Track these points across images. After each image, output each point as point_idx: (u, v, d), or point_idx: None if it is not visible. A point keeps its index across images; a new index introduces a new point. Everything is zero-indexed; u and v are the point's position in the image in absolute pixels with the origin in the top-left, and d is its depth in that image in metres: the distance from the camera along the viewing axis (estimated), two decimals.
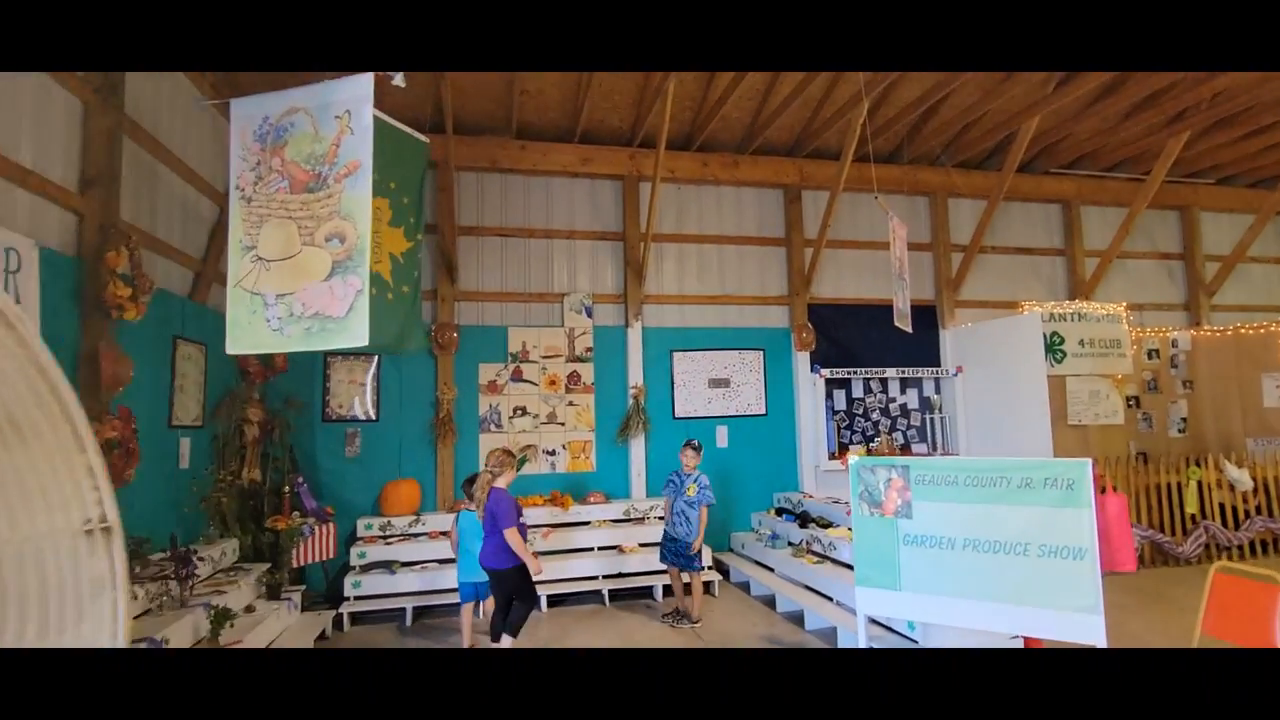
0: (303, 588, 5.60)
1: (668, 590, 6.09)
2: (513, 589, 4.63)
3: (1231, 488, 7.41)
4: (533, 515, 6.28)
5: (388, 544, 6.23)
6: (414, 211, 5.14)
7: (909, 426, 8.39)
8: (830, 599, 5.49)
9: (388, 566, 6.01)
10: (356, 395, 6.83)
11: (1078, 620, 3.74)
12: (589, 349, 7.47)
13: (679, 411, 7.68)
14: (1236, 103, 7.08)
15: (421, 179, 5.30)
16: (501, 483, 4.71)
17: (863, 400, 8.29)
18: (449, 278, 7.08)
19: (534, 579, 4.70)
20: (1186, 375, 9.25)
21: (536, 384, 7.31)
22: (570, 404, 7.38)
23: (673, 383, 7.70)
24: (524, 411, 7.25)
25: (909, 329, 6.68)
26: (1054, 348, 8.47)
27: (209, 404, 5.58)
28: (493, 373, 7.21)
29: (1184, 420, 9.20)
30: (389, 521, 6.42)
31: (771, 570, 6.56)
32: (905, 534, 4.31)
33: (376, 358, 6.89)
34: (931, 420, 8.35)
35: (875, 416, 8.30)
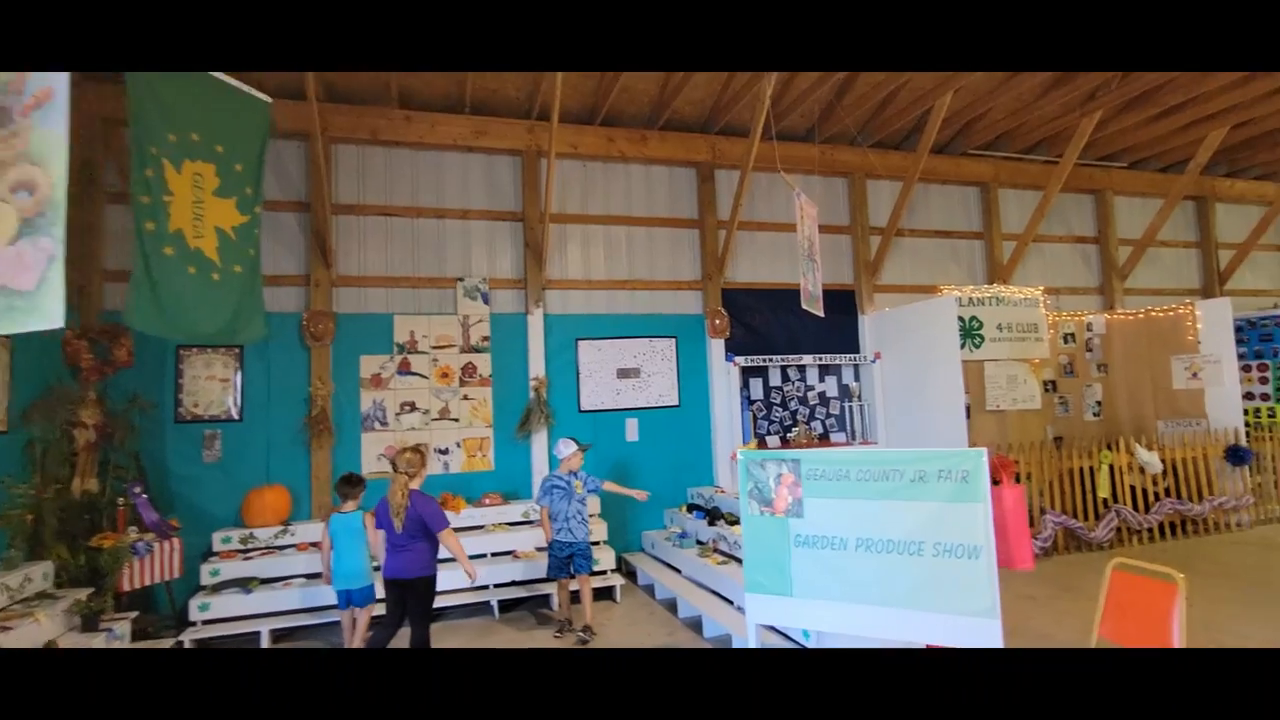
0: (134, 614, 4.89)
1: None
2: (417, 603, 4.17)
3: (1142, 471, 7.38)
4: None
5: (247, 559, 5.56)
6: (250, 182, 4.50)
7: (828, 415, 8.12)
8: (731, 603, 5.11)
9: (244, 585, 5.35)
10: (216, 392, 6.10)
11: (974, 625, 3.42)
12: (485, 338, 6.90)
13: (585, 404, 7.19)
14: (1145, 81, 6.98)
15: (262, 145, 4.65)
16: (416, 484, 4.21)
17: (780, 389, 7.96)
18: (323, 260, 6.39)
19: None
20: (1101, 359, 9.27)
21: (427, 377, 6.71)
22: (465, 398, 6.80)
23: (578, 373, 7.20)
24: (412, 407, 6.64)
25: (820, 312, 6.36)
26: (972, 333, 8.32)
27: (18, 405, 4.81)
28: (376, 365, 6.57)
29: (1099, 404, 9.21)
30: (251, 533, 5.73)
31: (679, 571, 6.15)
32: (796, 535, 3.93)
33: (239, 350, 6.16)
34: (850, 408, 8.09)
35: (793, 405, 7.99)
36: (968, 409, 8.29)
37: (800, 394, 8.03)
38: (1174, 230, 10.05)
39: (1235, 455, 7.63)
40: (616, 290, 7.46)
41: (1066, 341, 9.12)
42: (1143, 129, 8.37)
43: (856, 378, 8.20)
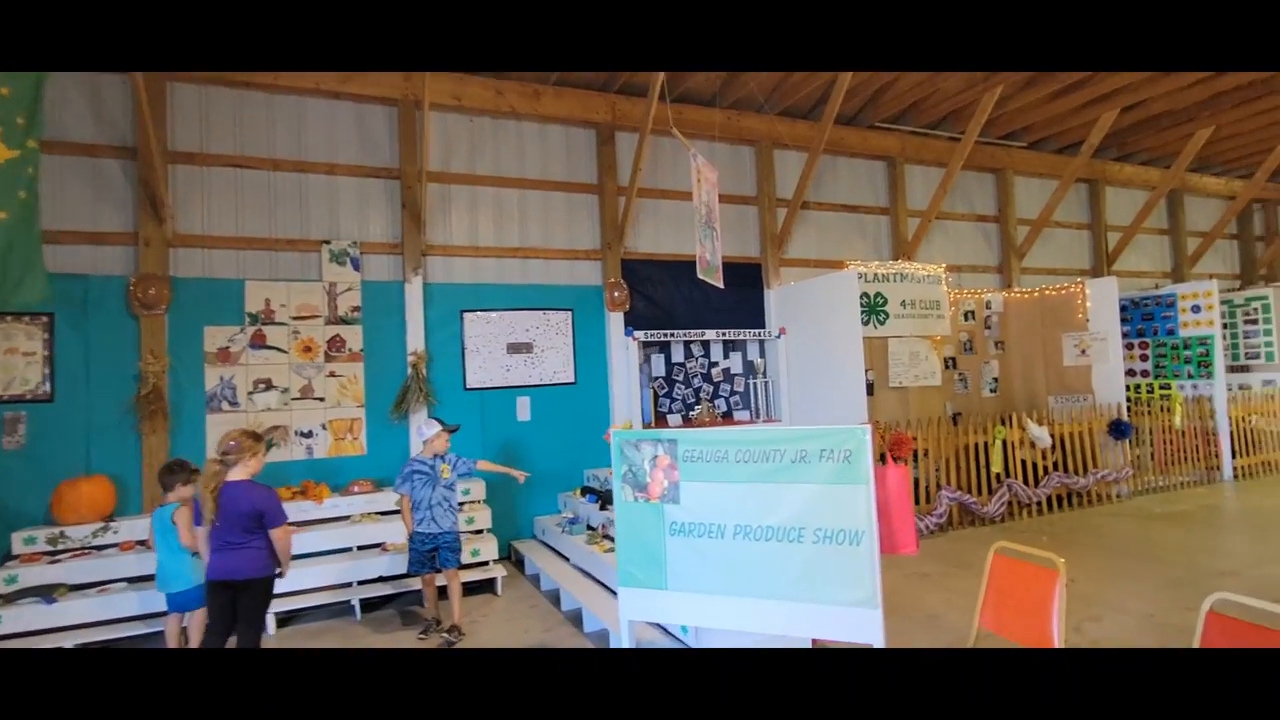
0: None
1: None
2: (250, 608, 3.58)
3: (1033, 445, 7.49)
4: None
5: (55, 562, 4.76)
6: (22, 109, 3.69)
7: (732, 392, 7.87)
8: (615, 594, 4.74)
9: (47, 593, 4.56)
10: (18, 368, 5.18)
11: (854, 616, 3.16)
12: (356, 308, 6.21)
13: (471, 381, 6.63)
14: None
15: None
16: (240, 473, 3.51)
17: (683, 365, 7.64)
18: (154, 216, 5.52)
19: None
20: (999, 336, 9.43)
21: (286, 351, 5.97)
22: (332, 374, 6.11)
23: (464, 348, 6.62)
24: (269, 385, 5.90)
25: (719, 283, 6.02)
26: (877, 309, 8.24)
27: None
28: (224, 338, 5.79)
29: (995, 380, 9.38)
30: (62, 532, 4.92)
31: (567, 560, 5.75)
32: (672, 522, 3.57)
33: (48, 318, 5.25)
34: (755, 385, 7.86)
35: (697, 383, 7.68)
36: (871, 385, 8.25)
37: (704, 370, 7.73)
38: (1068, 211, 10.33)
39: (1117, 429, 7.88)
40: (507, 258, 6.89)
41: (966, 319, 9.22)
42: (1041, 107, 8.44)
43: (762, 354, 7.98)
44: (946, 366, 8.93)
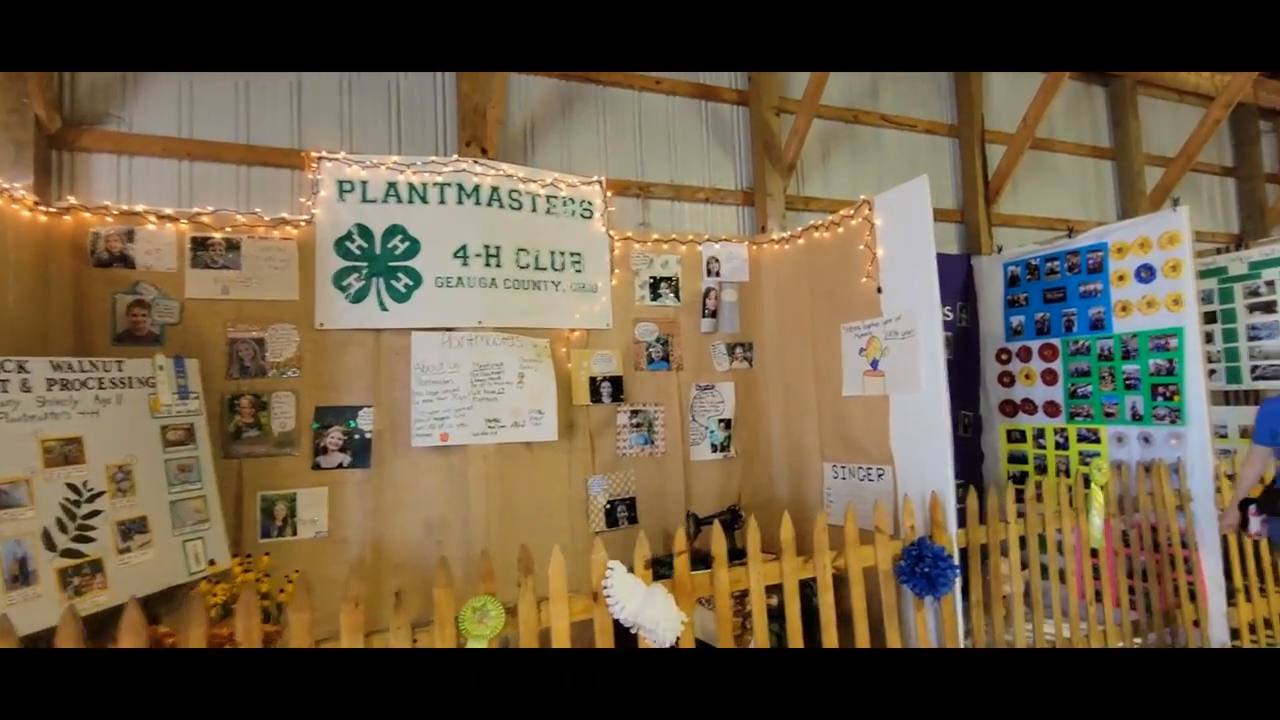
0: None
1: None
2: None
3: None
4: None
5: None
6: None
7: None
8: None
9: None
10: None
11: None
12: None
13: None
14: None
15: None
16: None
17: None
18: None
19: None
20: (737, 332, 4.55)
21: None
22: None
23: None
24: None
25: None
26: (385, 264, 3.48)
27: None
28: None
29: (727, 426, 4.47)
30: None
31: None
32: None
33: None
34: None
35: None
36: (367, 444, 3.42)
37: None
38: (896, 99, 5.44)
39: (914, 575, 2.93)
40: None
41: (658, 295, 4.34)
42: None
43: None
44: (595, 398, 4.04)
